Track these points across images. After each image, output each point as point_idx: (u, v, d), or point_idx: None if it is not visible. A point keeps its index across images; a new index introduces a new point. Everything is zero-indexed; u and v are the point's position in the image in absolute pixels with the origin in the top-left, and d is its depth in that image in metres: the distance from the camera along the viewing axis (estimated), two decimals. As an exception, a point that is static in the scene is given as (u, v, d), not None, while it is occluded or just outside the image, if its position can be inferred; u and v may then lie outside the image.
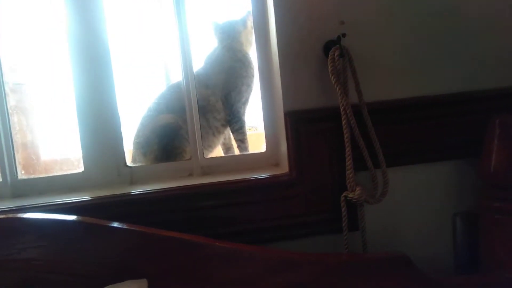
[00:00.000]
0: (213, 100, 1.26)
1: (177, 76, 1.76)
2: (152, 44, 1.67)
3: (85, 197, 0.99)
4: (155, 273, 0.82)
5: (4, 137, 1.06)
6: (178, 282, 0.82)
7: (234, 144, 1.38)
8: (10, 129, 1.08)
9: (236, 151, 1.37)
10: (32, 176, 1.10)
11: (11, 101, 1.11)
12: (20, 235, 0.86)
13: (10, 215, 0.90)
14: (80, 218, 0.87)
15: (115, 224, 0.85)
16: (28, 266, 0.85)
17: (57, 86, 1.27)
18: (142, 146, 1.19)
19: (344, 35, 0.95)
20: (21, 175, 1.08)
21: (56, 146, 1.28)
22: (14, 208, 0.95)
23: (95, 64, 1.05)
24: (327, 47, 0.96)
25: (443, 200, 1.06)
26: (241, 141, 1.31)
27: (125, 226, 0.85)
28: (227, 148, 1.39)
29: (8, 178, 1.06)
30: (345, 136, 0.93)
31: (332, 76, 0.93)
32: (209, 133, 1.25)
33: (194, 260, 0.82)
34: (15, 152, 1.08)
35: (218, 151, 1.39)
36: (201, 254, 0.82)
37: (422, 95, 1.02)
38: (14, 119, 1.14)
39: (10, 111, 1.09)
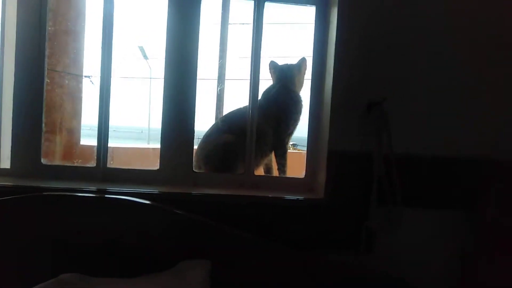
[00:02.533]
0: (265, 128, 1.53)
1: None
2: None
3: (156, 191, 1.25)
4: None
5: (104, 129, 1.33)
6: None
7: (274, 166, 1.64)
8: (108, 123, 1.34)
9: (275, 173, 1.63)
10: (119, 166, 1.36)
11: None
12: (104, 212, 1.11)
13: (98, 195, 1.17)
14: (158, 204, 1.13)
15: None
16: (108, 234, 1.10)
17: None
18: (206, 156, 1.46)
19: (385, 98, 1.21)
20: (110, 164, 1.35)
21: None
22: (103, 190, 1.22)
23: (183, 81, 1.33)
24: (370, 105, 1.23)
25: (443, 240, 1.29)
26: (282, 165, 1.57)
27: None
28: (268, 168, 1.65)
29: (101, 165, 1.33)
30: (374, 177, 1.18)
31: (371, 130, 1.18)
32: (258, 154, 1.50)
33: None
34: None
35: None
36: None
37: (439, 154, 1.27)
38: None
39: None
